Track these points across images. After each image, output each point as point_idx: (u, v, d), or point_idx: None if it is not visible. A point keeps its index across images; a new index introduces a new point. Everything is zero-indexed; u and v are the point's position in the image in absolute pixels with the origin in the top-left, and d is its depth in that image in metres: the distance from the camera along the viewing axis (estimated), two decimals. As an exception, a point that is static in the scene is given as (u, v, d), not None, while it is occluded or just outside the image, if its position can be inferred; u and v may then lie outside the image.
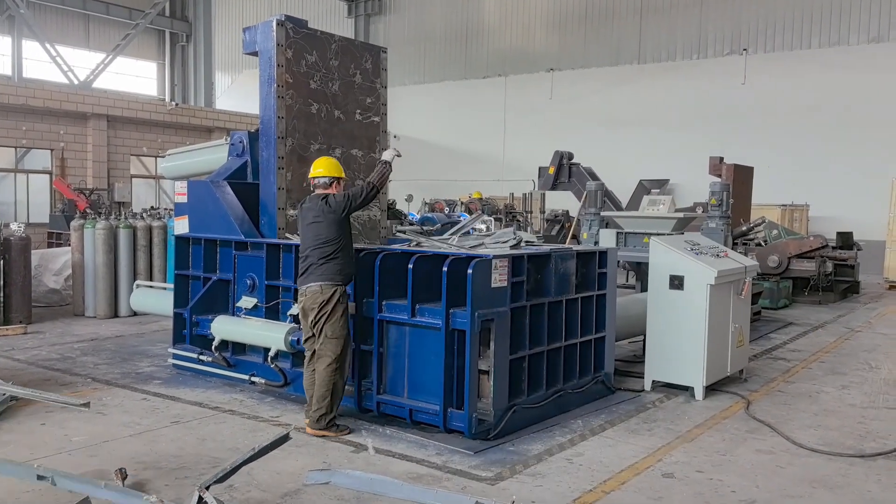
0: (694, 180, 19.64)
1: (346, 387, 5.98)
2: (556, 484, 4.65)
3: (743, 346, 7.36)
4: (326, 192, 5.69)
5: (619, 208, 12.96)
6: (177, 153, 9.19)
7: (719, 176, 12.80)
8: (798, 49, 21.70)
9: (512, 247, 6.06)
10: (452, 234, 7.21)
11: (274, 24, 6.88)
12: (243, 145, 7.56)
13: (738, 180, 12.97)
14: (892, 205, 16.64)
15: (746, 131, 21.47)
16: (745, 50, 22.47)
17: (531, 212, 20.65)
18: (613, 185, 14.21)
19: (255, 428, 5.69)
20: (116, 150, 21.05)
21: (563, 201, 19.26)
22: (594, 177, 13.67)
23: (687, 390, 6.81)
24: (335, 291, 5.50)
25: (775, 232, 15.02)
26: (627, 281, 13.56)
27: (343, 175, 5.80)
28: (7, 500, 4.27)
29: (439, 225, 10.01)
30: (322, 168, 5.76)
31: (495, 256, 5.47)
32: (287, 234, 6.96)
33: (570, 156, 14.41)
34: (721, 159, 13.30)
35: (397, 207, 12.11)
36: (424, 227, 9.65)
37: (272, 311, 6.85)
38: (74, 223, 11.07)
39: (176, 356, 7.48)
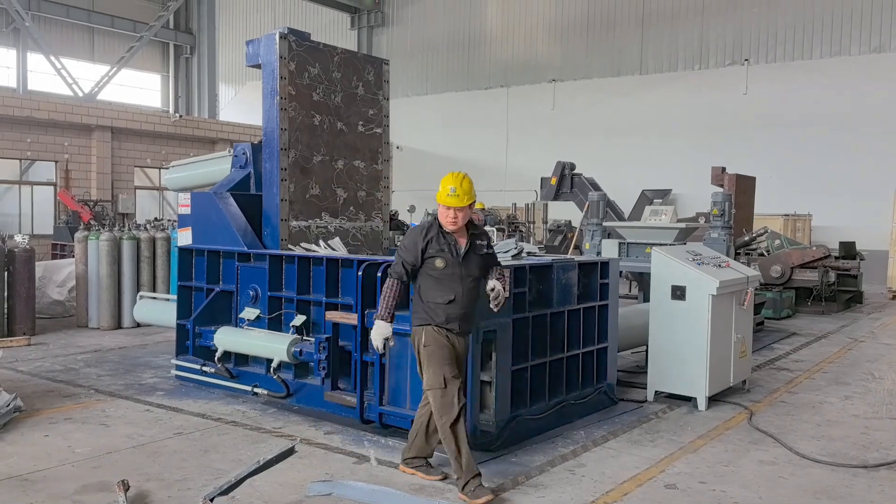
0: (696, 190, 19.68)
1: (349, 398, 5.99)
2: (559, 495, 4.65)
3: (745, 357, 7.35)
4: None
5: (621, 219, 12.97)
6: (180, 165, 9.23)
7: (721, 186, 12.81)
8: (799, 59, 21.77)
9: (514, 257, 6.07)
10: None
11: (277, 36, 6.93)
12: (246, 157, 7.59)
13: (741, 190, 12.99)
14: (895, 214, 16.63)
15: (748, 141, 21.52)
16: (746, 60, 22.55)
17: (534, 222, 20.71)
18: (616, 196, 14.24)
19: (258, 439, 5.70)
20: (120, 161, 21.16)
21: (565, 212, 19.31)
22: (596, 187, 13.69)
23: (689, 401, 6.80)
24: (414, 334, 4.74)
25: (778, 242, 15.02)
26: (630, 291, 13.55)
27: (442, 200, 4.62)
28: (10, 511, 4.29)
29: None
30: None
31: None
32: (290, 246, 6.99)
33: (573, 166, 14.43)
34: (723, 169, 13.32)
35: (400, 218, 12.15)
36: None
37: (275, 323, 6.87)
38: (78, 235, 11.11)
39: (179, 367, 7.49)
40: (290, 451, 4.23)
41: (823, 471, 5.19)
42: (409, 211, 17.57)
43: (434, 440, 4.80)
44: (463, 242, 4.67)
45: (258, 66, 7.13)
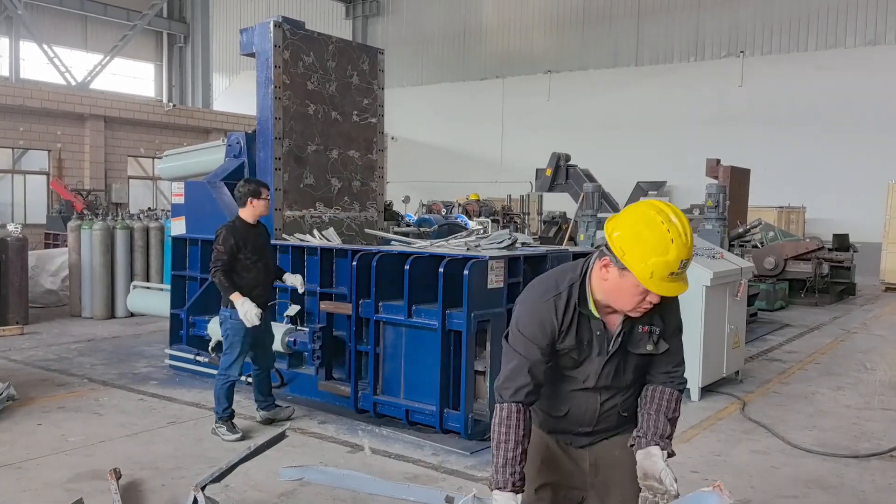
0: (691, 182, 19.68)
1: (343, 387, 6.01)
2: (552, 484, 4.65)
3: (739, 348, 7.38)
4: None
5: (616, 210, 12.97)
6: (174, 154, 9.20)
7: (716, 178, 12.80)
8: (795, 51, 21.77)
9: (507, 248, 6.07)
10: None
11: (271, 25, 6.90)
12: (240, 146, 7.57)
13: (735, 182, 12.98)
14: (889, 207, 16.68)
15: (743, 133, 21.52)
16: (742, 52, 22.53)
17: (528, 213, 20.68)
18: (610, 187, 14.22)
19: (251, 428, 5.70)
20: (114, 150, 21.05)
21: (560, 203, 19.29)
22: (591, 178, 13.69)
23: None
24: None
25: (772, 234, 15.05)
26: (624, 282, 13.55)
27: None
28: (4, 499, 4.28)
29: (436, 226, 10.02)
30: None
31: (491, 257, 5.49)
32: (284, 236, 6.97)
33: (568, 157, 14.42)
34: (718, 161, 13.31)
35: (394, 209, 12.12)
36: (421, 229, 9.66)
37: (269, 313, 6.85)
38: (71, 224, 11.06)
39: (172, 357, 7.49)
40: (280, 437, 4.22)
41: (815, 461, 5.22)
42: (403, 201, 17.53)
43: None
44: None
45: (252, 55, 7.10)
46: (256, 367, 5.84)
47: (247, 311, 5.35)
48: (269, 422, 5.84)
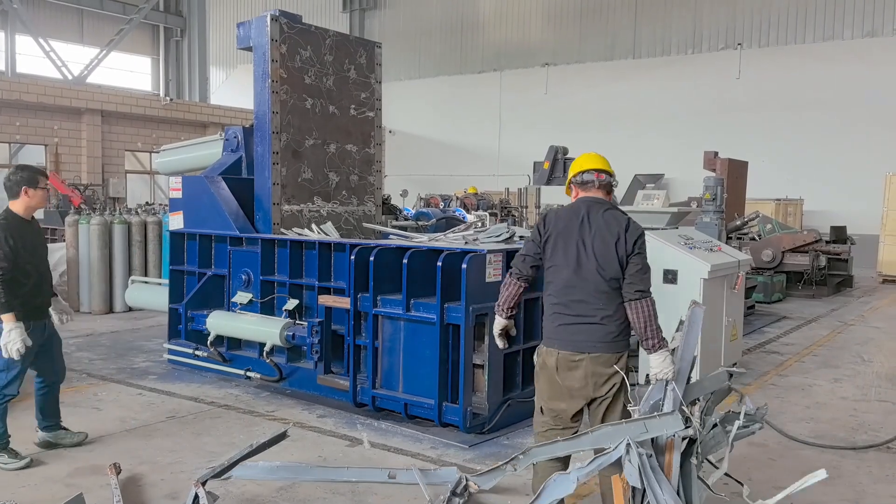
0: (688, 175, 19.68)
1: (341, 381, 6.02)
2: (550, 477, 4.67)
3: (736, 340, 7.39)
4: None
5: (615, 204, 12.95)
6: (171, 149, 9.18)
7: (714, 170, 12.80)
8: (792, 44, 21.75)
9: (505, 241, 6.08)
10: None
11: (268, 19, 6.88)
12: (238, 140, 7.56)
13: (733, 175, 12.99)
14: (886, 199, 16.71)
15: (741, 126, 21.52)
16: (739, 44, 22.51)
17: (526, 206, 20.67)
18: (608, 180, 14.22)
19: (251, 423, 5.71)
20: (111, 145, 21.02)
21: (558, 196, 19.28)
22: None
23: (681, 384, 6.83)
24: None
25: (769, 226, 15.06)
26: (622, 275, 13.55)
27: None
28: (4, 494, 4.29)
29: (434, 220, 10.02)
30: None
31: (489, 251, 5.49)
32: (282, 230, 6.97)
33: (565, 151, 14.37)
34: (716, 154, 13.31)
35: (392, 203, 12.13)
36: (419, 223, 9.66)
37: (267, 307, 6.86)
38: (69, 219, 11.05)
39: (171, 351, 7.49)
40: (282, 436, 4.24)
41: (813, 452, 5.24)
42: (401, 195, 17.53)
43: None
44: None
45: (249, 49, 7.09)
46: (40, 379, 5.05)
47: (10, 341, 4.48)
48: (48, 445, 5.01)
